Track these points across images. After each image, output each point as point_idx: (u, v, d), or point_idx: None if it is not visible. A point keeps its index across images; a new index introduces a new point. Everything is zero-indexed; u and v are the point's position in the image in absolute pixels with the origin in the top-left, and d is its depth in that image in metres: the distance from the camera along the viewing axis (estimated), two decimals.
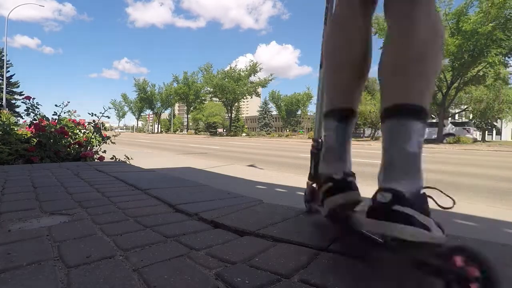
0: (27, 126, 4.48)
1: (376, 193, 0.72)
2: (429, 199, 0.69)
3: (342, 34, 0.92)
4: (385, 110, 0.75)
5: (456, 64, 18.07)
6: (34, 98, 4.03)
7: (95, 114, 4.27)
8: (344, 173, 0.94)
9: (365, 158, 8.11)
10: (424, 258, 0.61)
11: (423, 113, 0.72)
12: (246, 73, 41.50)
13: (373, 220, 0.69)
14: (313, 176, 1.20)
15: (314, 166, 1.18)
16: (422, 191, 0.70)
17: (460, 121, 26.73)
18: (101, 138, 4.33)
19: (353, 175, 0.96)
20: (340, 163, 0.98)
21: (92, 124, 4.31)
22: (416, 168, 0.72)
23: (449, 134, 20.89)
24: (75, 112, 4.67)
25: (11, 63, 42.63)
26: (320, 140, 1.17)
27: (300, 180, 3.88)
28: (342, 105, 0.98)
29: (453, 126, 22.24)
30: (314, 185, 1.19)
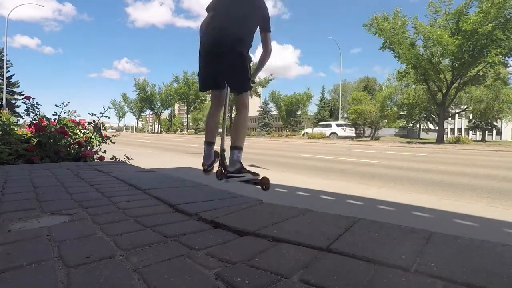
0: (27, 126, 4.48)
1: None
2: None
3: (212, 119, 2.02)
4: (232, 146, 1.82)
5: (456, 64, 18.04)
6: (34, 98, 4.03)
7: (95, 114, 4.27)
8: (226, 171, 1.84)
9: (364, 158, 8.11)
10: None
11: (241, 148, 1.85)
12: None
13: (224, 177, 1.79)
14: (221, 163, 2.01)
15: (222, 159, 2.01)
16: (239, 167, 1.73)
17: (344, 122, 30.24)
18: (101, 138, 4.33)
19: (229, 172, 1.79)
20: (208, 159, 2.03)
21: (92, 124, 4.31)
22: (237, 163, 1.75)
23: (332, 133, 25.65)
24: (75, 112, 4.66)
25: (11, 63, 42.64)
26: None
27: (300, 180, 3.88)
28: (211, 140, 2.02)
29: (336, 126, 26.44)
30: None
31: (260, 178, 1.66)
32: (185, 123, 69.12)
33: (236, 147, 1.78)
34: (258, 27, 1.85)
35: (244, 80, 1.74)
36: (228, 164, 1.81)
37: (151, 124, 78.96)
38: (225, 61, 1.69)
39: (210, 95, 2.02)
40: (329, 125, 27.14)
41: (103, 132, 4.42)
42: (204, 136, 2.10)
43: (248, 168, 1.75)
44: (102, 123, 4.38)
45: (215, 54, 1.70)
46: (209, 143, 2.02)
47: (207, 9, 1.86)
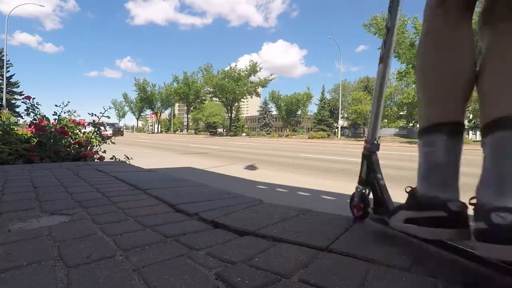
0: (27, 126, 4.48)
1: (483, 212, 0.64)
2: None
3: (443, 50, 0.84)
4: (497, 121, 0.68)
5: None
6: (34, 98, 4.03)
7: (95, 114, 4.27)
8: (459, 203, 0.79)
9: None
10: None
11: None
12: (246, 73, 41.50)
13: (491, 244, 0.60)
14: (365, 181, 1.13)
15: (367, 170, 1.12)
16: None
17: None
18: (101, 138, 4.33)
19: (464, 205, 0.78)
20: (453, 188, 0.81)
21: (92, 125, 4.31)
22: None
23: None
24: (75, 112, 4.67)
25: (11, 63, 42.63)
26: (376, 142, 1.13)
27: (300, 180, 3.89)
28: (451, 119, 0.82)
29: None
30: (365, 190, 1.13)
31: None
32: (185, 123, 69.11)
33: None
34: None
35: None
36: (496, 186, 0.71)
37: (151, 124, 79.00)
38: None
39: None
40: None
41: (104, 133, 4.42)
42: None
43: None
44: (102, 123, 4.38)
45: None
46: (447, 129, 0.82)
47: None
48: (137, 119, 68.73)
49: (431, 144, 0.83)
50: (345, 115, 41.06)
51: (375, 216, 1.08)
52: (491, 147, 0.70)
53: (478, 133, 38.53)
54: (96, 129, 4.24)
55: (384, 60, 1.12)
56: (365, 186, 1.13)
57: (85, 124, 4.63)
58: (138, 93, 59.57)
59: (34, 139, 3.82)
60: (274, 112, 52.17)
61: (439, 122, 0.82)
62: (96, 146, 4.33)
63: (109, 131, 25.32)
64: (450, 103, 0.82)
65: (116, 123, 38.16)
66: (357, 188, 1.17)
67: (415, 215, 0.82)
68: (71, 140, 4.12)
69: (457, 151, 0.81)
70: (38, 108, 4.04)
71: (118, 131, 30.71)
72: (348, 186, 3.54)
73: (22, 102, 4.18)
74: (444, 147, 0.80)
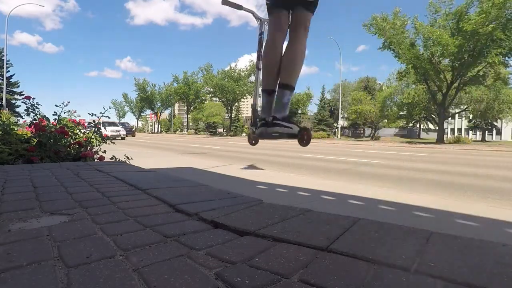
0: (27, 126, 4.48)
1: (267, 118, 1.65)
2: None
3: (272, 52, 1.66)
4: (281, 84, 1.62)
5: (456, 64, 18.06)
6: (34, 98, 4.03)
7: (95, 114, 4.27)
8: (270, 118, 1.65)
9: (364, 158, 8.11)
10: (290, 136, 1.69)
11: (292, 88, 1.64)
12: (246, 73, 41.49)
13: (266, 128, 1.65)
14: (253, 121, 2.22)
15: (254, 116, 2.23)
16: (286, 115, 1.64)
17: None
18: (101, 138, 4.33)
19: (275, 118, 1.64)
20: (269, 113, 1.69)
21: (92, 124, 4.31)
22: (285, 109, 1.63)
23: None
24: (75, 112, 4.66)
25: (11, 63, 42.61)
26: (255, 104, 2.32)
27: (300, 180, 3.89)
28: (270, 87, 1.71)
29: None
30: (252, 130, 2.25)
31: (300, 132, 1.66)
32: (185, 123, 69.08)
33: (288, 86, 1.52)
34: None
35: None
36: (273, 108, 1.61)
37: (151, 124, 78.97)
38: None
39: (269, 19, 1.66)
40: None
41: (104, 133, 4.42)
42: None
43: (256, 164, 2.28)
44: (114, 122, 4.37)
45: None
46: (268, 92, 1.64)
47: None
48: (137, 119, 68.71)
49: (262, 97, 1.73)
50: (345, 115, 41.03)
51: (253, 132, 2.16)
52: (277, 93, 1.66)
53: (478, 133, 38.51)
54: (97, 129, 4.23)
55: (254, 98, 2.38)
56: (252, 126, 2.24)
57: (85, 125, 4.62)
58: (138, 93, 59.55)
59: (34, 139, 3.82)
60: None
61: (264, 88, 1.71)
62: (96, 146, 4.33)
63: (122, 132, 22.68)
64: (270, 79, 1.68)
65: (127, 123, 37.14)
66: (250, 128, 2.33)
67: (259, 125, 1.73)
68: (71, 140, 4.12)
69: (270, 100, 1.69)
70: (38, 108, 4.04)
71: (130, 131, 28.92)
72: (348, 186, 3.53)
73: (22, 102, 4.18)
74: (266, 99, 1.70)
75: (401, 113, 29.82)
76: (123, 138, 22.04)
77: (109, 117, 4.57)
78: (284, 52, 1.60)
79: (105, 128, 19.96)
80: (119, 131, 22.28)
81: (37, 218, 1.20)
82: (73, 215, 1.24)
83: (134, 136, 29.95)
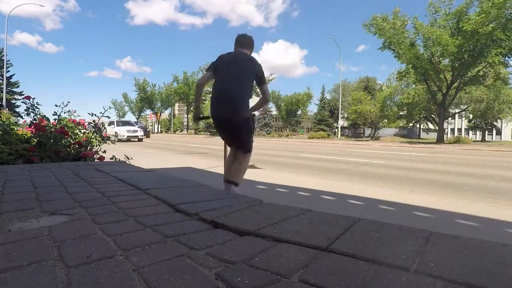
0: (27, 126, 4.48)
1: None
2: None
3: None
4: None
5: (456, 64, 18.06)
6: (34, 98, 4.03)
7: (95, 114, 4.27)
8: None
9: (364, 158, 8.11)
10: None
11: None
12: None
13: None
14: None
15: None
16: None
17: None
18: (101, 138, 4.33)
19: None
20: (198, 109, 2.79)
21: (92, 124, 4.31)
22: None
23: None
24: (75, 112, 4.66)
25: (11, 63, 42.59)
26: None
27: (300, 180, 3.88)
28: (198, 114, 2.76)
29: None
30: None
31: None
32: (185, 123, 69.07)
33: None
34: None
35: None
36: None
37: (151, 124, 78.92)
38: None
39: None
40: None
41: (103, 133, 4.42)
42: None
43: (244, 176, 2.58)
44: (102, 123, 4.37)
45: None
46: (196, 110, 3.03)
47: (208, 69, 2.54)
48: (137, 119, 68.70)
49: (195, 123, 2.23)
50: (345, 115, 41.04)
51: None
52: None
53: (478, 133, 38.52)
54: (103, 129, 4.23)
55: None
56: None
57: (86, 125, 4.62)
58: (138, 93, 59.52)
59: (34, 139, 3.82)
60: (274, 112, 52.17)
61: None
62: (96, 146, 4.33)
63: (139, 133, 18.29)
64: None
65: (141, 121, 33.35)
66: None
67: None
68: (71, 140, 4.12)
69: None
70: (38, 108, 4.04)
71: (145, 132, 22.72)
72: (348, 186, 3.53)
73: (22, 102, 4.18)
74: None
75: (401, 113, 29.83)
76: (140, 140, 18.44)
77: (109, 117, 4.57)
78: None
79: (118, 128, 18.01)
80: (136, 131, 18.45)
81: (37, 218, 1.20)
82: (73, 215, 1.24)
83: (149, 137, 24.43)
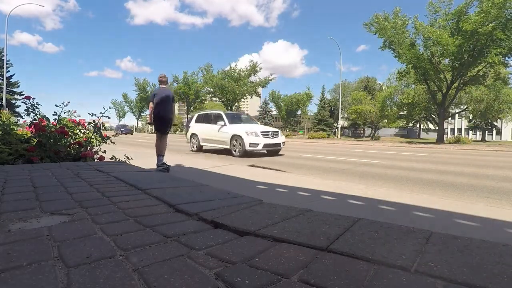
0: (27, 126, 4.48)
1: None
2: None
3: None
4: None
5: (456, 64, 18.05)
6: (34, 98, 4.03)
7: (95, 114, 4.27)
8: None
9: (364, 158, 8.11)
10: None
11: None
12: (246, 73, 41.49)
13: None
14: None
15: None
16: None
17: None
18: (101, 138, 4.33)
19: None
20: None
21: (92, 125, 4.31)
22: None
23: None
24: (75, 112, 4.67)
25: (11, 63, 42.60)
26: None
27: (300, 180, 3.88)
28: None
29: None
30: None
31: None
32: (185, 123, 69.03)
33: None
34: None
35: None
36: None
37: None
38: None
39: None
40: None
41: (103, 132, 4.42)
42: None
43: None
44: (102, 123, 4.38)
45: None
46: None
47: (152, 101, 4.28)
48: (137, 119, 68.63)
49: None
50: (345, 115, 41.05)
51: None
52: None
53: (478, 133, 38.52)
54: (96, 130, 4.23)
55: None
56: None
57: (85, 125, 4.62)
58: (138, 93, 59.49)
59: (34, 139, 3.82)
60: (274, 112, 52.17)
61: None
62: (96, 146, 4.33)
63: (280, 139, 6.97)
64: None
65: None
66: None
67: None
68: (71, 140, 4.12)
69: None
70: (38, 108, 4.04)
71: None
72: (348, 186, 3.53)
73: (22, 102, 4.18)
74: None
75: (401, 113, 29.82)
76: (277, 151, 8.62)
77: (109, 117, 4.58)
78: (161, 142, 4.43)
79: (235, 128, 8.34)
80: (276, 134, 8.52)
81: (37, 218, 1.20)
82: (73, 215, 1.24)
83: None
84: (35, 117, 3.96)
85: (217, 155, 8.53)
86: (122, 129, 37.98)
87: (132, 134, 37.21)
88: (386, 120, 32.35)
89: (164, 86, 4.43)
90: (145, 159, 5.59)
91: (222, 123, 8.64)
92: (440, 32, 17.05)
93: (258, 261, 0.81)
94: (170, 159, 6.49)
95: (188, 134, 9.83)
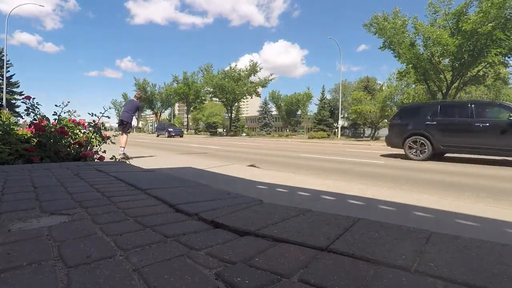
0: (27, 126, 4.48)
1: None
2: None
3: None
4: None
5: (456, 64, 18.06)
6: (34, 98, 4.03)
7: (95, 114, 4.27)
8: None
9: (364, 158, 8.11)
10: None
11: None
12: (246, 73, 41.49)
13: None
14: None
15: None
16: None
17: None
18: (101, 138, 4.33)
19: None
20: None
21: (92, 125, 4.32)
22: None
23: None
24: (75, 112, 4.67)
25: (11, 63, 42.61)
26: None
27: (300, 180, 3.88)
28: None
29: None
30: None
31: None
32: (185, 123, 69.05)
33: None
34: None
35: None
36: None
37: (151, 124, 78.92)
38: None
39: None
40: None
41: (103, 132, 4.42)
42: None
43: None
44: (102, 123, 4.39)
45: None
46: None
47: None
48: (137, 119, 68.68)
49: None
50: (345, 115, 41.05)
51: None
52: None
53: None
54: (96, 130, 4.23)
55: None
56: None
57: (85, 125, 4.62)
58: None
59: (34, 139, 3.82)
60: (274, 112, 52.21)
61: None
62: (96, 146, 4.33)
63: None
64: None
65: (174, 124, 33.19)
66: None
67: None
68: (71, 140, 4.12)
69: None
70: (38, 108, 4.04)
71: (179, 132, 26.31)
72: (348, 186, 3.53)
73: (22, 102, 4.18)
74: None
75: None
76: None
77: (109, 117, 4.58)
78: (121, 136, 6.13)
79: None
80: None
81: (37, 218, 1.20)
82: (73, 215, 1.24)
83: (182, 136, 27.22)
84: (35, 117, 3.96)
85: (217, 155, 8.53)
86: (169, 129, 26.60)
87: (181, 136, 28.08)
88: (386, 120, 32.32)
89: (134, 99, 6.59)
90: (145, 159, 5.59)
91: None
92: (440, 32, 17.05)
93: (258, 261, 0.81)
94: (170, 159, 6.49)
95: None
